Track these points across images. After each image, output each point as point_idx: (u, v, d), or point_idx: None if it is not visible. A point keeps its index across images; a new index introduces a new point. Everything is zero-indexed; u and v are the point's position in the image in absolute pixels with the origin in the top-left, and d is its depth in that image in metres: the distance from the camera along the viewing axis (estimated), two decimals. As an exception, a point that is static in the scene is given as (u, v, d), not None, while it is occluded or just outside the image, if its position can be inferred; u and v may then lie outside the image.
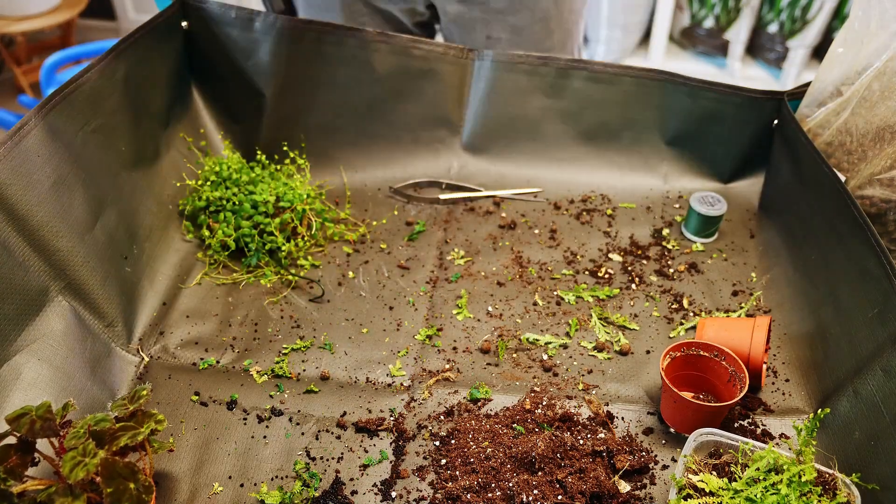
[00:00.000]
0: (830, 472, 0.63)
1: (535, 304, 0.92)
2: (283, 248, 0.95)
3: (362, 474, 0.72)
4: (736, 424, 0.76)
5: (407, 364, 0.84)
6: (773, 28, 2.64)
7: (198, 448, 0.74)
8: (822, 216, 0.87)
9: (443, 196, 1.08)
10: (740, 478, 0.64)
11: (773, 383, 0.82)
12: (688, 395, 0.75)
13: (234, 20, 1.01)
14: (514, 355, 0.85)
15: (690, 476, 0.64)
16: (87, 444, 0.59)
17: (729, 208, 1.08)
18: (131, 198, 0.90)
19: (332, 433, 0.76)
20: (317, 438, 0.75)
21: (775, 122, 1.03)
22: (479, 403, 0.79)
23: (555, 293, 0.93)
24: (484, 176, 1.12)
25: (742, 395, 0.72)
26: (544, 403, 0.79)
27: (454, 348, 0.86)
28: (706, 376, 0.77)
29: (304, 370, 0.83)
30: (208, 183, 0.97)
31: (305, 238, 0.99)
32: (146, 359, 0.84)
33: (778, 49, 2.66)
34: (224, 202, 0.95)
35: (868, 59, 0.88)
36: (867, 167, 0.88)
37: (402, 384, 0.81)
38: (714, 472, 0.65)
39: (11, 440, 0.59)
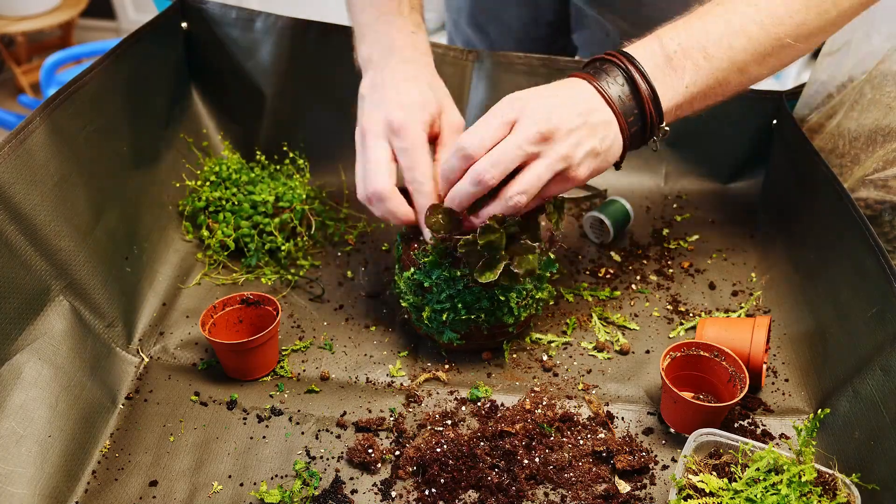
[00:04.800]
0: (830, 472, 0.63)
1: (535, 304, 0.92)
2: (283, 248, 0.95)
3: (362, 474, 0.72)
4: (736, 425, 0.76)
5: (407, 364, 0.84)
6: (772, 28, 2.64)
7: (197, 447, 0.74)
8: (821, 216, 0.87)
9: None
10: (740, 478, 0.64)
11: (773, 383, 0.82)
12: (688, 395, 0.75)
13: (234, 20, 1.01)
14: (514, 355, 0.85)
15: (690, 476, 0.65)
16: None
17: (729, 208, 1.08)
18: (132, 198, 0.90)
19: (332, 433, 0.76)
20: (317, 438, 0.75)
21: (774, 121, 1.03)
22: (480, 403, 0.79)
23: (555, 291, 0.93)
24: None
25: (742, 395, 0.72)
26: (544, 403, 0.79)
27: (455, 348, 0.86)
28: (706, 376, 0.78)
29: (304, 370, 0.83)
30: (208, 183, 0.97)
31: (305, 238, 0.99)
32: (146, 359, 0.84)
33: (778, 49, 2.66)
34: (223, 202, 0.95)
35: (859, 62, 0.88)
36: (860, 169, 0.89)
37: (402, 384, 0.81)
38: (714, 473, 0.65)
39: None
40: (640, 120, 0.70)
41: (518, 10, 1.21)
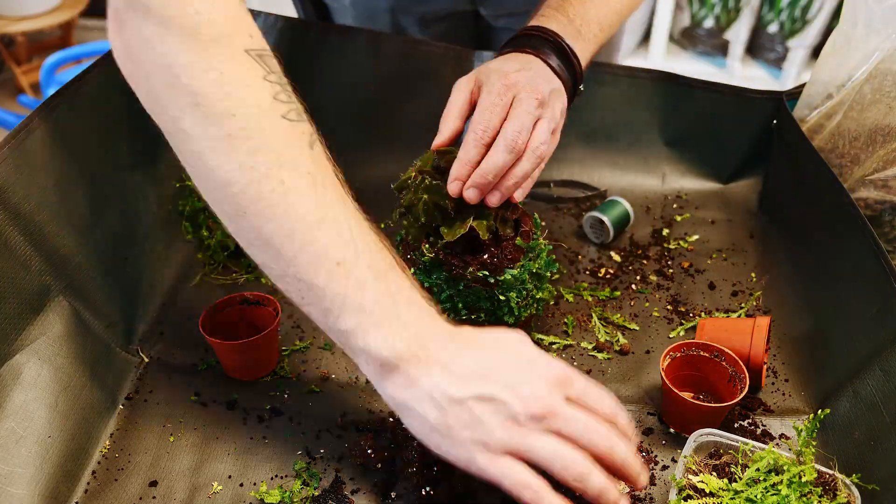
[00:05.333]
0: (830, 472, 0.63)
1: (535, 304, 0.92)
2: (284, 248, 0.95)
3: (362, 474, 0.72)
4: (736, 425, 0.76)
5: (407, 364, 0.84)
6: (773, 28, 2.64)
7: (197, 447, 0.74)
8: (822, 216, 0.87)
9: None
10: (740, 478, 0.64)
11: (773, 383, 0.82)
12: (688, 395, 0.75)
13: (234, 20, 1.01)
14: (514, 355, 0.85)
15: (690, 477, 0.65)
16: None
17: (729, 208, 1.08)
18: (132, 198, 0.90)
19: (332, 433, 0.76)
20: (317, 438, 0.75)
21: (774, 121, 1.03)
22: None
23: (555, 291, 0.93)
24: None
25: (742, 395, 0.72)
26: (544, 403, 0.79)
27: (454, 348, 0.86)
28: (706, 377, 0.78)
29: (304, 370, 0.83)
30: (208, 183, 0.97)
31: (305, 238, 0.99)
32: (146, 359, 0.84)
33: (778, 49, 2.66)
34: (224, 202, 0.95)
35: (858, 62, 0.88)
36: (860, 169, 0.89)
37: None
38: (714, 473, 0.65)
39: None
40: (573, 85, 0.82)
41: None
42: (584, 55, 0.82)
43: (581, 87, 0.84)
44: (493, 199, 0.75)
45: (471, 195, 0.74)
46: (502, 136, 0.73)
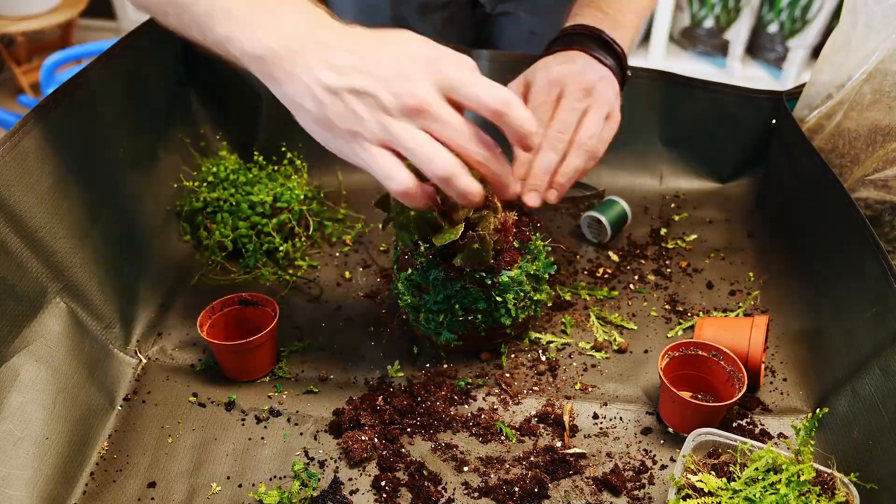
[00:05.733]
0: (829, 471, 0.63)
1: (533, 304, 0.92)
2: (281, 248, 0.95)
3: (361, 474, 0.72)
4: (734, 424, 0.76)
5: (405, 365, 0.84)
6: (773, 28, 2.64)
7: (196, 448, 0.74)
8: (821, 216, 0.87)
9: None
10: (739, 477, 0.64)
11: (772, 383, 0.82)
12: (686, 394, 0.75)
13: (232, 20, 1.01)
14: (513, 355, 0.85)
15: (689, 476, 0.64)
16: None
17: (727, 208, 1.08)
18: (129, 199, 0.90)
19: (331, 433, 0.76)
20: (315, 439, 0.75)
21: (773, 121, 1.03)
22: (478, 407, 0.79)
23: (553, 293, 0.93)
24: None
25: (741, 394, 0.72)
26: (543, 403, 0.79)
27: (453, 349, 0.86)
28: (705, 376, 0.77)
29: (303, 371, 0.83)
30: (205, 184, 0.97)
31: (303, 238, 0.99)
32: (144, 360, 0.84)
33: (778, 49, 2.66)
34: (221, 203, 0.95)
35: (858, 62, 0.88)
36: (860, 169, 0.89)
37: (400, 385, 0.81)
38: (713, 472, 0.65)
39: None
40: (621, 70, 0.82)
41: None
42: (624, 42, 0.83)
43: (629, 73, 0.85)
44: (533, 200, 0.73)
45: (533, 200, 0.73)
46: (545, 136, 0.74)
